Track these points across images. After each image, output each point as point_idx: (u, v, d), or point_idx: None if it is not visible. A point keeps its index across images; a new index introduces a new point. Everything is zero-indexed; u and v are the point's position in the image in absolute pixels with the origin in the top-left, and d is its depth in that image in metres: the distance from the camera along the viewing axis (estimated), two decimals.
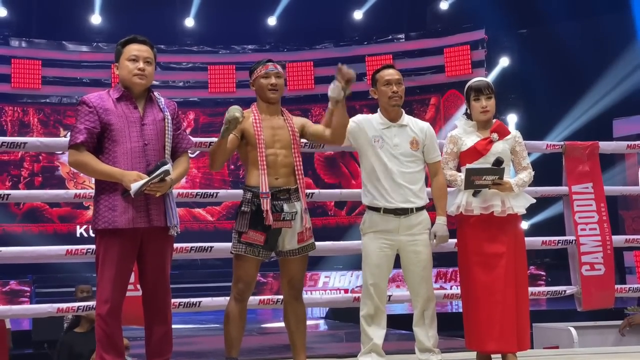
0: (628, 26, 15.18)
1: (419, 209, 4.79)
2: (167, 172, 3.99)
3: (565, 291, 6.11)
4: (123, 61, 4.16)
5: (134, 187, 3.95)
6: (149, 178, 3.98)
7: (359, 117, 4.91)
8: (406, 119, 4.91)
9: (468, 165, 4.80)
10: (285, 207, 4.43)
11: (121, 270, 4.06)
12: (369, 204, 4.86)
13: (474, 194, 4.77)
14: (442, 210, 4.85)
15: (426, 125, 4.95)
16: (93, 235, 4.24)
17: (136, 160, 4.07)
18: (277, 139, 4.51)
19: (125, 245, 4.06)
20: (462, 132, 4.95)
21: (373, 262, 4.83)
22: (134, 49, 4.18)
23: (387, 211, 4.76)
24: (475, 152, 4.84)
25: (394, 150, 4.78)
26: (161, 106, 4.20)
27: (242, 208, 4.47)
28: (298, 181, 4.53)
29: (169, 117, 4.18)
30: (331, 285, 16.04)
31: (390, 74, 4.86)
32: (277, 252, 4.55)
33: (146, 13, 16.47)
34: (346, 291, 15.55)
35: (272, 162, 4.46)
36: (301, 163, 4.57)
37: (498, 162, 4.76)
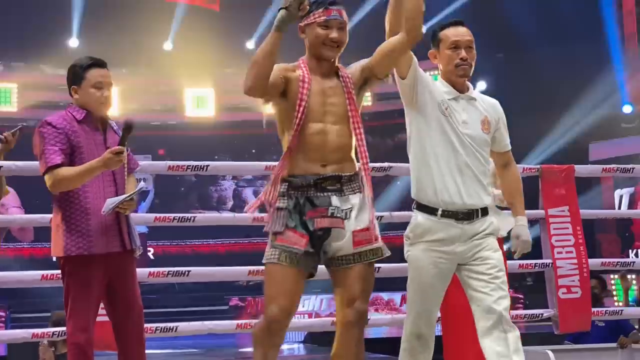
0: (603, 52, 15.36)
1: (484, 211, 3.71)
2: (145, 191, 3.99)
3: (542, 314, 6.13)
4: (87, 87, 4.02)
5: (110, 202, 3.91)
6: (127, 195, 3.95)
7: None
8: (474, 91, 3.86)
9: None
10: (335, 200, 3.39)
11: (96, 297, 3.99)
12: (423, 202, 3.67)
13: None
14: (522, 208, 3.92)
15: (497, 102, 3.89)
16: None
17: (107, 184, 4.02)
18: (329, 109, 3.45)
19: (98, 271, 3.96)
20: None
21: (426, 282, 3.65)
22: (99, 75, 4.06)
23: (448, 215, 3.62)
24: None
25: (462, 129, 3.65)
26: (115, 128, 4.15)
27: (278, 204, 3.40)
28: (360, 166, 3.47)
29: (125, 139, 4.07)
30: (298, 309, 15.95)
31: (460, 33, 3.83)
32: (327, 261, 3.45)
33: (125, 35, 16.47)
34: (310, 315, 15.44)
35: (319, 143, 3.42)
36: (364, 141, 3.49)
37: None
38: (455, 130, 3.62)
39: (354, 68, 3.58)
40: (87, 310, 3.96)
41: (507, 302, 3.58)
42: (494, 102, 3.87)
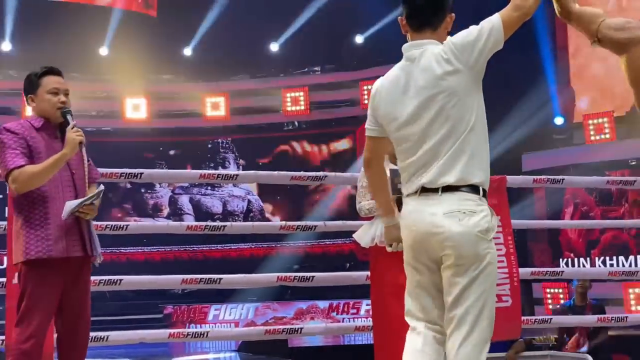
0: (535, 64, 15.64)
1: None
2: (101, 193, 3.97)
3: None
4: (43, 94, 4.11)
5: (69, 206, 3.90)
6: (85, 198, 3.95)
7: None
8: None
9: (391, 167, 4.23)
10: None
11: (51, 304, 3.94)
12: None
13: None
14: None
15: None
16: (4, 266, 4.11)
17: (67, 190, 4.03)
18: None
19: (57, 276, 3.94)
20: None
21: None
22: (54, 81, 4.15)
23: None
24: None
25: None
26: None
27: None
28: None
29: (85, 147, 4.13)
30: (222, 318, 15.86)
31: None
32: None
33: (59, 40, 16.21)
34: (237, 324, 15.39)
35: None
36: None
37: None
38: None
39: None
40: (41, 318, 3.91)
41: None
42: None
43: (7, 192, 4.27)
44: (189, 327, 15.09)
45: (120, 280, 5.46)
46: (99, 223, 5.59)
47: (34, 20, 16.53)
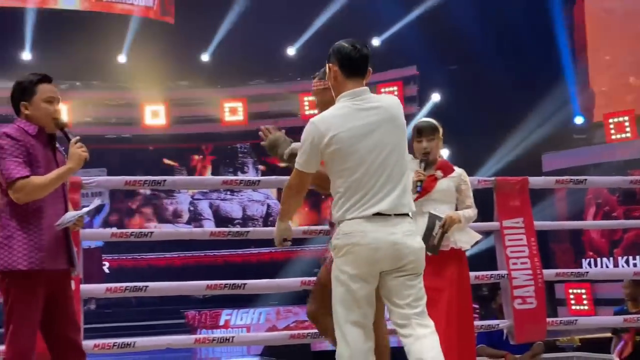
0: (555, 64, 15.59)
1: None
2: (101, 206, 3.98)
3: (498, 325, 6.19)
4: (39, 102, 4.02)
5: (68, 216, 3.88)
6: (86, 210, 3.94)
7: None
8: None
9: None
10: None
11: (38, 316, 3.87)
12: None
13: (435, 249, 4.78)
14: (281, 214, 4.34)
15: None
16: None
17: (58, 200, 4.01)
18: None
19: (41, 289, 3.88)
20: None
21: None
22: (50, 89, 4.07)
23: None
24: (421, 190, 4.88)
25: None
26: (59, 148, 4.13)
27: None
28: None
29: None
30: (244, 323, 15.89)
31: None
32: None
33: (78, 49, 16.31)
34: (248, 329, 15.40)
35: None
36: None
37: (430, 217, 4.81)
38: None
39: None
40: (31, 333, 3.84)
41: None
42: None
43: None
44: (212, 332, 15.11)
45: (146, 287, 5.47)
46: (124, 231, 5.63)
47: (53, 30, 16.62)
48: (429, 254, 4.67)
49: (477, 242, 5.09)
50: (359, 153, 3.77)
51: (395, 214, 3.78)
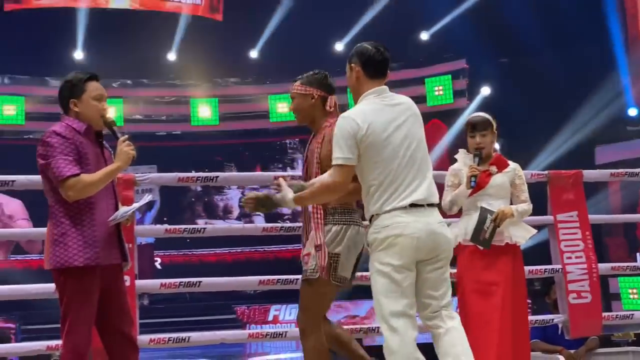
0: (607, 55, 15.35)
1: None
2: (152, 203, 4.03)
3: (552, 320, 6.14)
4: (88, 99, 4.09)
5: (120, 212, 3.94)
6: (137, 205, 3.99)
7: None
8: None
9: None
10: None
11: (94, 311, 3.94)
12: None
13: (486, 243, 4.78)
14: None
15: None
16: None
17: (109, 196, 4.07)
18: None
19: (96, 284, 3.94)
20: (462, 165, 5.02)
21: None
22: (98, 87, 4.14)
23: None
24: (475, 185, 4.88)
25: None
26: (105, 145, 4.21)
27: None
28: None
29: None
30: (282, 318, 15.93)
31: None
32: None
33: (129, 47, 16.50)
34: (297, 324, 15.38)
35: None
36: None
37: (482, 210, 4.80)
38: None
39: None
40: (87, 328, 3.91)
41: None
42: None
43: (55, 196, 4.05)
44: (260, 327, 15.20)
45: (200, 282, 5.53)
46: (177, 227, 5.69)
47: (104, 29, 16.83)
48: (481, 248, 4.69)
49: (531, 237, 5.06)
50: (393, 145, 3.91)
51: (427, 204, 3.92)
